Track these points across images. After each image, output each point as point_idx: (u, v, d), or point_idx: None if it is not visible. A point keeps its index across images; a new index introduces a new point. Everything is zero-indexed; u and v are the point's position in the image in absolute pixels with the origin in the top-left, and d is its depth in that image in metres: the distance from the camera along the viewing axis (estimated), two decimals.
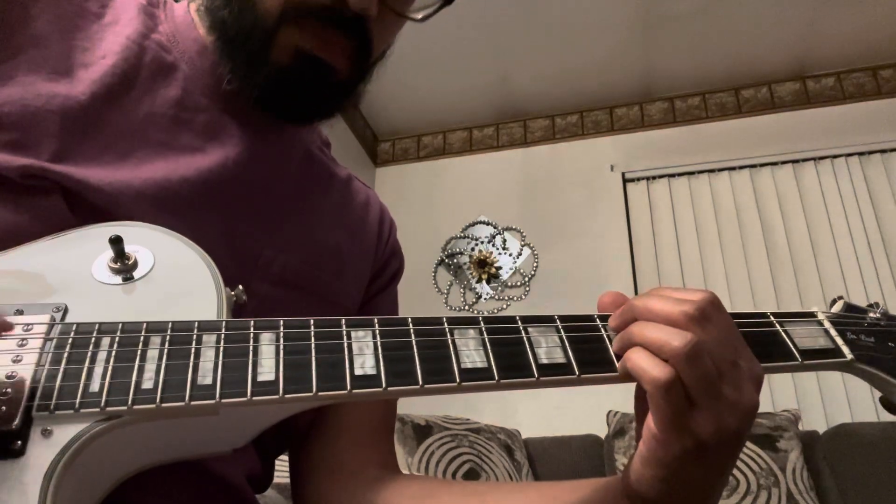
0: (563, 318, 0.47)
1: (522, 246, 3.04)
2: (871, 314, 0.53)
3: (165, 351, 0.41)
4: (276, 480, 0.71)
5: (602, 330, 0.47)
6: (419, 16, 0.62)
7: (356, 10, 0.56)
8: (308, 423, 0.67)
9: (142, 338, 0.41)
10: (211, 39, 0.60)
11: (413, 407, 2.19)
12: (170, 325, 0.42)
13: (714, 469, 0.43)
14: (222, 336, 0.42)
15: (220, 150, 0.59)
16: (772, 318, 0.51)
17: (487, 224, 3.11)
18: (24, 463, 0.36)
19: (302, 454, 0.67)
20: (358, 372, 0.41)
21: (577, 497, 0.52)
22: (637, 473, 0.44)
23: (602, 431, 2.27)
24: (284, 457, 0.71)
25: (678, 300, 0.44)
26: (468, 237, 3.11)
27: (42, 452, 0.37)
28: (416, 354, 0.43)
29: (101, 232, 0.47)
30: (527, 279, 2.97)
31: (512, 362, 0.43)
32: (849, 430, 2.12)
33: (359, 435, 0.67)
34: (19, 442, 0.37)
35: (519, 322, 0.46)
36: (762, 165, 2.89)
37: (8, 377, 0.38)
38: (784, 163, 2.87)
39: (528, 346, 0.45)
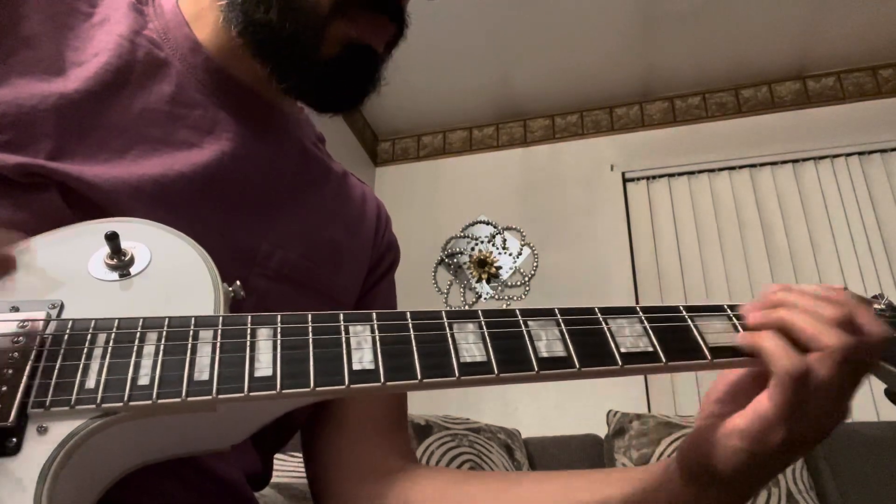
0: (564, 311, 0.46)
1: (522, 246, 3.04)
2: (876, 305, 0.53)
3: (162, 347, 0.40)
4: (274, 479, 0.71)
5: (603, 323, 0.46)
6: None
7: None
8: (307, 418, 0.67)
9: (138, 334, 0.41)
10: (240, 42, 0.59)
11: (413, 406, 2.19)
12: (166, 320, 0.42)
13: (772, 468, 0.45)
14: (219, 331, 0.42)
15: (216, 146, 0.59)
16: None
17: (487, 224, 3.11)
18: (20, 460, 0.36)
19: (317, 449, 0.66)
20: (356, 367, 0.41)
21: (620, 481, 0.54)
22: (720, 446, 0.45)
23: (602, 431, 2.27)
24: (283, 455, 0.71)
25: (830, 301, 0.45)
26: (468, 237, 3.11)
27: (38, 449, 0.36)
28: (414, 349, 0.42)
29: (98, 228, 0.47)
30: (527, 279, 2.96)
31: (511, 356, 0.43)
32: (849, 430, 2.11)
33: (376, 426, 0.66)
34: (14, 439, 0.36)
35: (519, 315, 0.46)
36: (762, 165, 2.89)
37: (3, 373, 0.38)
38: (784, 163, 2.87)
39: (527, 339, 0.44)
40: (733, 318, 0.48)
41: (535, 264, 2.98)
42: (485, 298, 2.98)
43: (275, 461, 0.70)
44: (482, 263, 3.03)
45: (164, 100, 0.58)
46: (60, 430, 0.37)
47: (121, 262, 0.46)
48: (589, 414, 2.39)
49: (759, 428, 0.43)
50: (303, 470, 0.69)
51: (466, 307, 2.96)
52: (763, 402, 0.44)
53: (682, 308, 0.48)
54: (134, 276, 0.46)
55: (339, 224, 0.69)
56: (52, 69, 0.54)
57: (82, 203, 0.50)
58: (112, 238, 0.45)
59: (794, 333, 0.44)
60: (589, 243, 2.93)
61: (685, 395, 2.57)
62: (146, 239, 0.48)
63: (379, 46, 0.61)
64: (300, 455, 0.70)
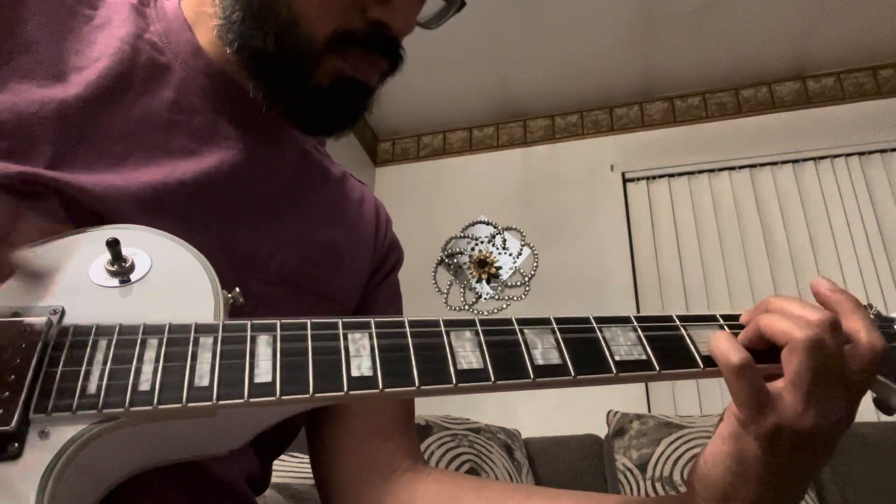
0: (559, 320, 0.47)
1: (522, 246, 3.04)
2: None
3: (162, 353, 0.41)
4: (275, 480, 0.71)
5: (598, 332, 0.47)
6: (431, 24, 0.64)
7: (400, 35, 0.59)
8: (314, 419, 0.67)
9: (139, 340, 0.41)
10: (235, 57, 0.59)
11: None
12: (167, 326, 0.42)
13: (766, 483, 0.44)
14: (219, 338, 0.42)
15: (216, 153, 0.59)
16: None
17: (487, 224, 3.11)
18: (21, 465, 0.36)
19: (324, 450, 0.67)
20: (355, 373, 0.41)
21: None
22: (711, 454, 0.45)
23: (602, 431, 2.27)
24: (284, 456, 0.71)
25: (817, 306, 0.46)
26: (468, 237, 3.11)
27: (39, 454, 0.37)
28: (412, 356, 0.43)
29: (98, 235, 0.47)
30: (527, 279, 2.97)
31: (508, 363, 0.43)
32: (849, 430, 2.11)
33: (382, 426, 0.67)
34: (16, 444, 0.37)
35: (515, 324, 0.46)
36: (762, 165, 2.89)
37: (5, 379, 0.38)
38: (784, 163, 2.87)
39: (523, 347, 0.45)
40: (725, 328, 0.48)
41: (534, 264, 2.98)
42: (485, 298, 2.98)
43: (275, 462, 0.70)
44: (482, 263, 3.03)
45: (165, 106, 0.58)
46: (62, 435, 0.38)
47: (121, 268, 0.46)
48: (589, 414, 2.39)
49: (734, 427, 0.44)
50: (303, 470, 0.69)
51: (466, 307, 2.96)
52: (791, 378, 0.43)
53: (675, 318, 0.49)
54: (134, 282, 0.46)
55: (339, 226, 0.69)
56: (53, 74, 0.54)
57: (82, 211, 0.50)
58: (113, 244, 0.45)
59: (770, 333, 0.44)
60: (589, 243, 2.94)
61: (685, 395, 2.57)
62: (147, 245, 0.48)
63: (371, 80, 0.61)
64: (300, 455, 0.70)
